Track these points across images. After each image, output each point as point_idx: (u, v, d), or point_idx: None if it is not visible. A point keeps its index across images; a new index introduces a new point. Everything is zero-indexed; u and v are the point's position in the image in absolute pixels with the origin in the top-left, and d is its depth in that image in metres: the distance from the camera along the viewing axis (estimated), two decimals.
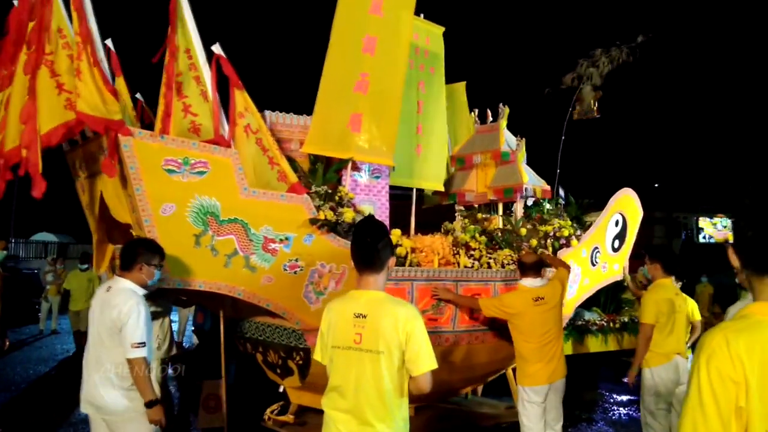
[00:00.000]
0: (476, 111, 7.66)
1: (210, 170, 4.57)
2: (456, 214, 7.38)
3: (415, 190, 6.65)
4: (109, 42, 5.30)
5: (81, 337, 9.32)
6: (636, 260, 7.99)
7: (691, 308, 6.95)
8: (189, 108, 4.53)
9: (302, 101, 5.41)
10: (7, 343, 6.35)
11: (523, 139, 6.98)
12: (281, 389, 5.88)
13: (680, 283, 6.59)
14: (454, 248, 6.02)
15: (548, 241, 6.73)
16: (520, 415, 5.05)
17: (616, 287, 7.94)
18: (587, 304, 7.61)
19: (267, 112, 5.47)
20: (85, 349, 3.88)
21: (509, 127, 7.29)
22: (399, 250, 5.45)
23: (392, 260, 2.87)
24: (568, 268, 5.76)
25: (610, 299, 7.78)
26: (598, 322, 7.78)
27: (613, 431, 7.11)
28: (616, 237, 7.53)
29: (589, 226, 7.27)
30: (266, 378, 6.00)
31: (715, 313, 11.35)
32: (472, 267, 5.92)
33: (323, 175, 5.35)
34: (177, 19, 4.45)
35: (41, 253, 23.00)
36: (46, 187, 4.14)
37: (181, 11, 4.49)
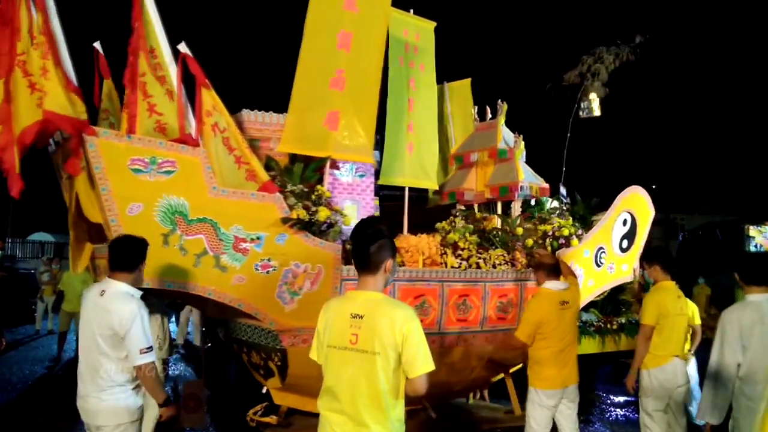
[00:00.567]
0: (476, 108, 7.49)
1: (178, 169, 4.54)
2: (456, 212, 7.21)
3: (407, 190, 6.51)
4: (97, 44, 5.37)
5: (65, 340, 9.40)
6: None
7: (692, 312, 6.67)
8: (154, 107, 4.51)
9: (281, 99, 5.34)
10: (4, 343, 6.36)
11: (521, 136, 6.78)
12: (264, 390, 5.83)
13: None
14: (442, 248, 5.87)
15: (547, 240, 6.50)
16: (527, 417, 4.96)
17: (614, 289, 7.65)
18: (584, 306, 7.35)
19: (245, 111, 5.44)
20: (80, 356, 3.75)
21: (511, 124, 7.11)
22: None
23: (390, 262, 2.82)
24: (575, 276, 5.60)
25: (607, 301, 7.52)
26: (595, 323, 7.53)
27: None
28: (625, 237, 7.25)
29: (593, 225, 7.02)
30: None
31: (711, 315, 10.80)
32: (459, 267, 5.76)
33: (302, 174, 5.28)
34: (141, 19, 4.44)
35: (38, 253, 22.70)
36: (24, 186, 4.15)
37: (146, 11, 4.48)
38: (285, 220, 4.83)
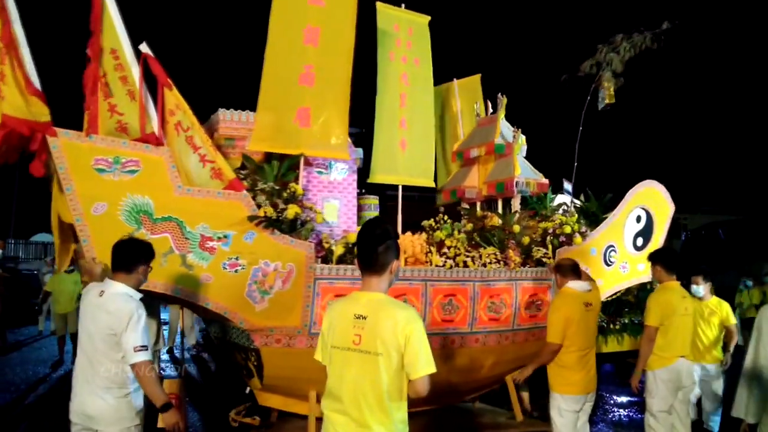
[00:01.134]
0: (478, 103, 7.26)
1: (142, 169, 4.57)
2: (460, 210, 7.01)
3: (400, 188, 6.36)
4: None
5: (65, 342, 9.18)
6: None
7: (726, 312, 6.33)
8: (115, 108, 4.56)
9: (257, 98, 5.29)
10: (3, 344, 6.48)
11: (519, 130, 6.52)
12: (247, 390, 5.80)
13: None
14: (427, 247, 5.70)
15: (547, 238, 6.22)
16: (553, 423, 4.79)
17: None
18: None
19: (221, 110, 5.44)
20: (77, 357, 3.75)
21: (523, 119, 6.86)
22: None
23: (396, 263, 2.81)
24: (594, 281, 5.40)
25: (610, 300, 7.09)
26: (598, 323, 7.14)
27: None
28: (639, 234, 6.87)
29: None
30: None
31: None
32: (444, 266, 5.57)
33: (281, 172, 5.23)
34: (101, 20, 4.50)
35: (41, 253, 22.02)
36: None
37: (108, 12, 4.54)
38: (251, 218, 4.78)
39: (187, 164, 4.73)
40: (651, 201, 6.89)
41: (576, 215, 6.52)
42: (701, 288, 6.31)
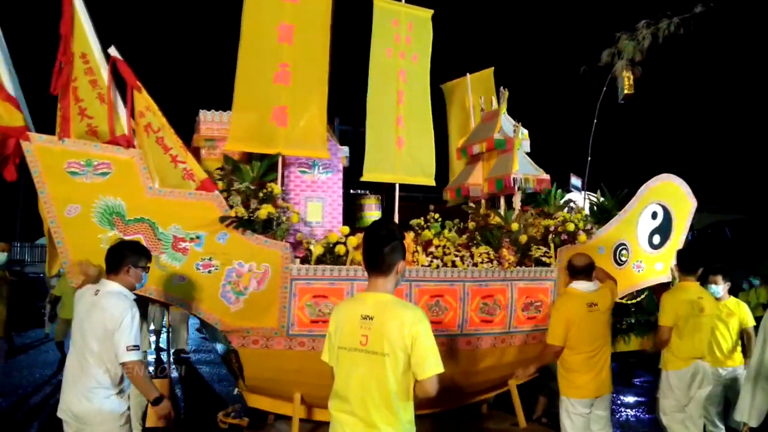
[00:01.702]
0: (483, 98, 7.02)
1: (113, 171, 4.62)
2: (467, 210, 6.79)
3: (398, 186, 6.20)
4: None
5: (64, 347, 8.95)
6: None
7: (744, 314, 6.04)
8: (85, 111, 4.62)
9: None
10: (11, 347, 6.58)
11: (520, 124, 6.25)
12: (236, 391, 5.79)
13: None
14: (416, 246, 5.52)
15: (549, 236, 5.93)
16: (562, 427, 4.71)
17: None
18: None
19: (202, 112, 5.45)
20: (68, 354, 3.78)
21: (535, 112, 6.59)
22: (338, 249, 5.13)
23: (402, 264, 2.82)
24: (614, 281, 5.28)
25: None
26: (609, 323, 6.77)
27: None
28: (656, 231, 6.46)
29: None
30: None
31: None
32: (429, 266, 5.38)
33: (260, 173, 5.19)
34: (71, 25, 4.58)
35: (46, 257, 22.28)
36: None
37: (78, 17, 4.62)
38: (223, 219, 4.76)
39: (158, 165, 4.75)
40: (669, 196, 6.46)
41: (581, 212, 6.19)
42: (720, 288, 5.91)
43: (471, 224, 6.41)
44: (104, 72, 4.67)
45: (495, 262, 5.64)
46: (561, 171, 6.81)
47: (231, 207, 4.82)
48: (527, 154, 6.51)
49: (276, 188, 5.03)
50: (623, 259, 6.23)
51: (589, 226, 6.07)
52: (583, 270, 4.77)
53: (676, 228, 6.52)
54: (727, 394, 5.68)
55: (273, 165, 5.25)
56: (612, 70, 7.15)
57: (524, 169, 6.04)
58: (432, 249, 5.46)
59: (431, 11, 6.52)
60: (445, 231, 5.67)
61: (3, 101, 4.37)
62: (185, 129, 5.68)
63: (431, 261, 5.39)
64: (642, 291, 6.46)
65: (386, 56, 6.18)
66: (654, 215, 6.41)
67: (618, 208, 6.58)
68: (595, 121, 7.03)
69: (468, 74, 7.88)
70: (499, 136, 6.28)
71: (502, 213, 6.10)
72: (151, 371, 8.30)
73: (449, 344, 5.46)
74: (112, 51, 4.65)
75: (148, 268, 3.91)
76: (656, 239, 6.45)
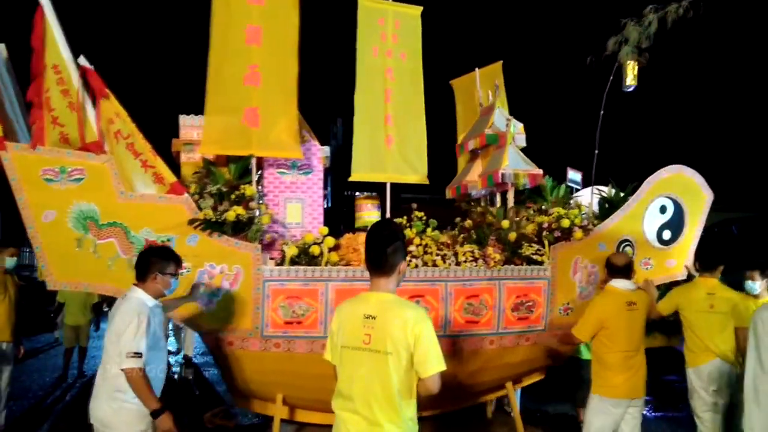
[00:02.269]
0: (489, 93, 6.80)
1: (86, 176, 4.75)
2: (467, 208, 6.61)
3: (388, 185, 6.10)
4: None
5: (72, 355, 8.92)
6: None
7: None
8: (57, 120, 4.76)
9: None
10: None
11: (511, 118, 6.03)
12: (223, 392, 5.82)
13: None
14: None
15: (543, 233, 5.69)
16: (586, 424, 4.69)
17: None
18: None
19: (182, 116, 5.52)
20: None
21: (542, 106, 6.36)
22: (312, 249, 5.09)
23: (404, 264, 2.91)
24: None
25: None
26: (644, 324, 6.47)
27: None
28: (666, 226, 6.10)
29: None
30: None
31: None
32: (408, 265, 5.25)
33: (236, 175, 5.22)
34: (43, 38, 4.73)
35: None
36: None
37: (50, 30, 4.77)
38: (191, 222, 4.81)
39: (129, 170, 4.85)
40: (680, 189, 6.09)
41: (580, 208, 5.90)
42: (757, 284, 5.50)
43: (468, 222, 6.24)
44: (76, 82, 4.80)
45: (481, 260, 5.45)
46: (564, 165, 6.51)
47: (201, 209, 4.86)
48: (524, 148, 6.28)
49: (249, 190, 5.04)
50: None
51: (585, 222, 5.78)
52: (622, 269, 4.76)
53: (689, 222, 6.13)
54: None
55: (246, 166, 5.26)
56: (617, 58, 6.80)
57: (515, 164, 5.81)
58: (412, 248, 5.33)
59: (420, 8, 6.40)
60: (429, 230, 5.53)
61: None
62: (169, 134, 5.80)
63: (410, 261, 5.27)
64: (658, 287, 6.09)
65: (372, 55, 6.12)
66: (663, 209, 6.06)
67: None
68: (602, 112, 6.70)
69: (477, 69, 7.70)
70: (490, 131, 6.08)
71: (494, 210, 5.89)
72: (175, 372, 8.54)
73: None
74: (82, 61, 4.79)
75: (177, 274, 3.91)
76: (666, 234, 6.09)
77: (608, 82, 6.78)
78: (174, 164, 5.75)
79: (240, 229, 4.94)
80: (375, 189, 7.28)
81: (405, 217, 5.65)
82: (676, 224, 6.10)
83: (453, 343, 5.38)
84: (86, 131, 4.77)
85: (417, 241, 5.38)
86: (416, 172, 6.24)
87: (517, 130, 6.10)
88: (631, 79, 6.59)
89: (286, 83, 5.11)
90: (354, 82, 6.06)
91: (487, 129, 6.10)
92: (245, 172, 5.25)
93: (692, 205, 6.13)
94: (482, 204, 6.50)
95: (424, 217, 5.66)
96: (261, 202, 5.24)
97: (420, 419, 2.82)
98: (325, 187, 6.42)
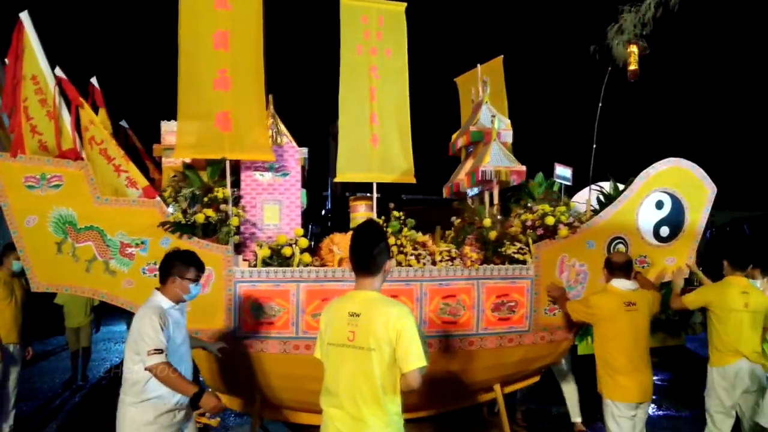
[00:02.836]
0: (473, 89, 6.68)
1: (65, 183, 4.96)
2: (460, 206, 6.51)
3: (375, 186, 6.08)
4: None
5: (78, 358, 8.83)
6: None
7: None
8: (35, 128, 4.98)
9: None
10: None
11: (496, 116, 5.90)
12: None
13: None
14: None
15: (527, 231, 5.55)
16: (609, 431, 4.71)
17: None
18: None
19: (163, 122, 5.67)
20: None
21: (545, 99, 6.21)
22: (284, 251, 5.14)
23: (389, 263, 3.01)
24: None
25: None
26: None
27: None
28: (663, 223, 5.83)
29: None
30: None
31: None
32: None
33: (213, 178, 5.32)
34: (21, 50, 4.95)
35: None
36: None
37: (28, 42, 4.99)
38: (162, 224, 4.93)
39: (103, 176, 5.02)
40: (678, 183, 5.80)
41: (565, 205, 5.71)
42: (758, 283, 5.42)
43: (458, 221, 6.16)
44: (53, 91, 5.01)
45: (458, 260, 5.36)
46: (559, 161, 6.30)
47: (173, 213, 4.98)
48: (517, 144, 6.14)
49: (223, 192, 5.12)
50: None
51: (571, 219, 5.59)
52: (621, 268, 4.79)
53: (690, 217, 5.84)
54: None
55: (220, 169, 5.34)
56: (613, 45, 6.52)
57: (497, 161, 5.67)
58: None
59: (404, 4, 6.34)
60: (405, 230, 5.48)
61: None
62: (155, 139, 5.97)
63: None
64: (662, 286, 5.84)
65: (356, 53, 6.11)
66: (659, 205, 5.79)
67: None
68: (600, 104, 6.45)
69: (479, 65, 7.57)
70: (475, 128, 5.97)
71: (476, 209, 5.79)
72: None
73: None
74: (58, 72, 4.99)
75: (198, 279, 3.87)
76: (664, 231, 5.82)
77: (606, 74, 6.53)
78: (160, 169, 5.93)
79: (211, 231, 5.03)
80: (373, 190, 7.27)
81: (383, 217, 5.61)
82: (674, 220, 5.81)
83: (429, 344, 5.30)
84: (62, 139, 4.97)
85: (392, 240, 5.34)
86: (402, 172, 6.20)
87: (503, 127, 5.97)
88: (632, 66, 6.30)
89: (254, 86, 5.16)
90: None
91: (472, 126, 6.00)
92: (223, 175, 5.34)
93: (693, 200, 5.83)
94: (471, 203, 6.40)
95: (402, 217, 5.60)
96: (239, 204, 5.31)
97: (417, 420, 2.86)
98: (324, 189, 6.46)
